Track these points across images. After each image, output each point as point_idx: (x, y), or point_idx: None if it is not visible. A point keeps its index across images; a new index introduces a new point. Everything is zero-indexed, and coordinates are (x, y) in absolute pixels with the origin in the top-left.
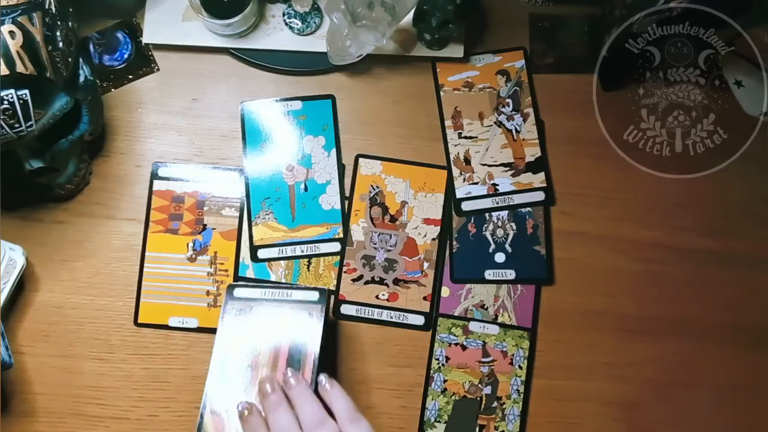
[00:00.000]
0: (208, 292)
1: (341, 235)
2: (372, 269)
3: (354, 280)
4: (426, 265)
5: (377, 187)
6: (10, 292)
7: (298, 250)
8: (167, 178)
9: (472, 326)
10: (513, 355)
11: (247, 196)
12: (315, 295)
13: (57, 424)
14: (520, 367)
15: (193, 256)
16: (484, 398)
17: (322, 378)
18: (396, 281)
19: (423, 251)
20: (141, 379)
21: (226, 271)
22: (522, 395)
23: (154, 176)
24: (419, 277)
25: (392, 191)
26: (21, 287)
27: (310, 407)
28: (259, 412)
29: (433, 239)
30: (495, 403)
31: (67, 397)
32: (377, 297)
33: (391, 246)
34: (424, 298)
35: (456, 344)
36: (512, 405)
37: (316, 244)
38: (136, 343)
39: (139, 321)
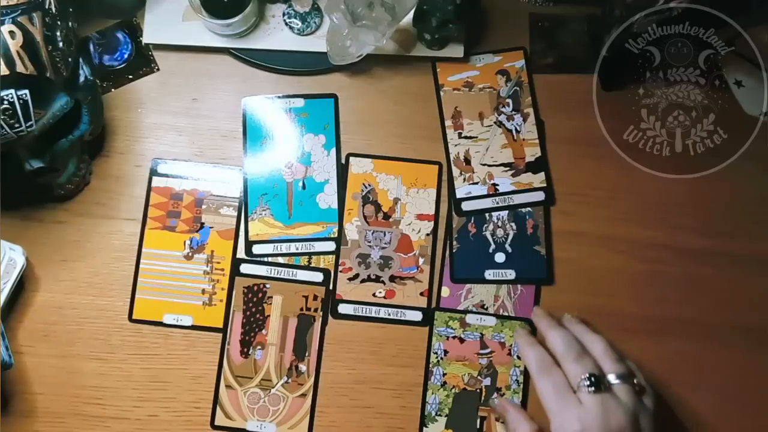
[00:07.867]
0: (203, 291)
1: (336, 235)
2: (367, 267)
3: (350, 279)
4: (421, 260)
5: (369, 185)
6: (10, 292)
7: (293, 248)
8: (166, 175)
9: (469, 318)
10: (511, 345)
11: (245, 191)
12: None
13: (57, 424)
14: (519, 357)
15: (190, 254)
16: (483, 390)
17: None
18: (392, 278)
19: (418, 247)
20: (141, 379)
21: (223, 270)
22: (521, 385)
23: (153, 173)
24: (415, 273)
25: (384, 189)
26: (21, 287)
27: (603, 345)
28: (529, 333)
29: (428, 234)
30: (495, 394)
31: (67, 397)
32: (374, 295)
33: (385, 243)
34: (421, 294)
35: (454, 337)
36: (512, 395)
37: (311, 243)
38: (136, 343)
39: (134, 317)
